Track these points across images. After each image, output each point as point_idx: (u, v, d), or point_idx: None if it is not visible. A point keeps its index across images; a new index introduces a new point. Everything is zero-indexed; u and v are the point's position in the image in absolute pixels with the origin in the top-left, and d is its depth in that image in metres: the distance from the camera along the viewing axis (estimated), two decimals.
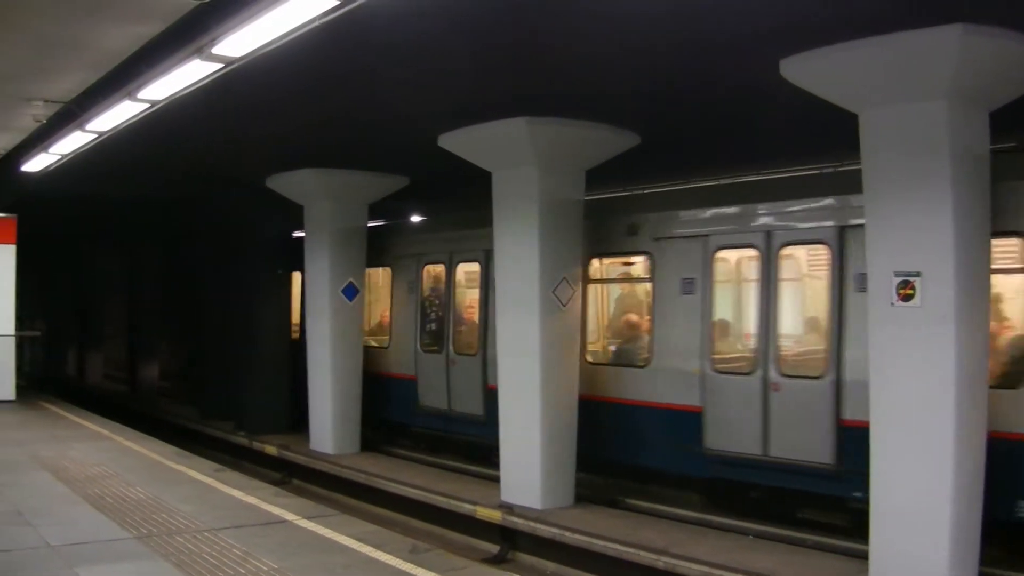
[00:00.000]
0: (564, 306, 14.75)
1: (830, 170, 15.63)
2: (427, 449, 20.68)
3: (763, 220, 14.00)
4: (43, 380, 35.00)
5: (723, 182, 17.75)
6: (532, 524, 14.06)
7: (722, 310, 14.82)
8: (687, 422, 14.48)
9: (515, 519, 14.35)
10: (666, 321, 15.06)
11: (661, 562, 11.99)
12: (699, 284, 14.67)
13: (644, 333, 15.82)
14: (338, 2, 8.02)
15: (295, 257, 22.02)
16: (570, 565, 13.54)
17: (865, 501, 11.19)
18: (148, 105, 12.31)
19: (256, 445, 21.98)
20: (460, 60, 11.38)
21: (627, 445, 15.56)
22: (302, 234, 21.07)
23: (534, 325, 14.59)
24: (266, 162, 19.07)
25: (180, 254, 30.96)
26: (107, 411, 24.72)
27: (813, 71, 10.54)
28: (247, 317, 23.94)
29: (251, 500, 12.72)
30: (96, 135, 14.50)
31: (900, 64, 9.86)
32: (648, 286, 15.72)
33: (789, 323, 14.09)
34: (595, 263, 16.64)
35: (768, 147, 15.77)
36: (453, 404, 19.14)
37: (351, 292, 20.00)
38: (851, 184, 11.78)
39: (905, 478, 10.12)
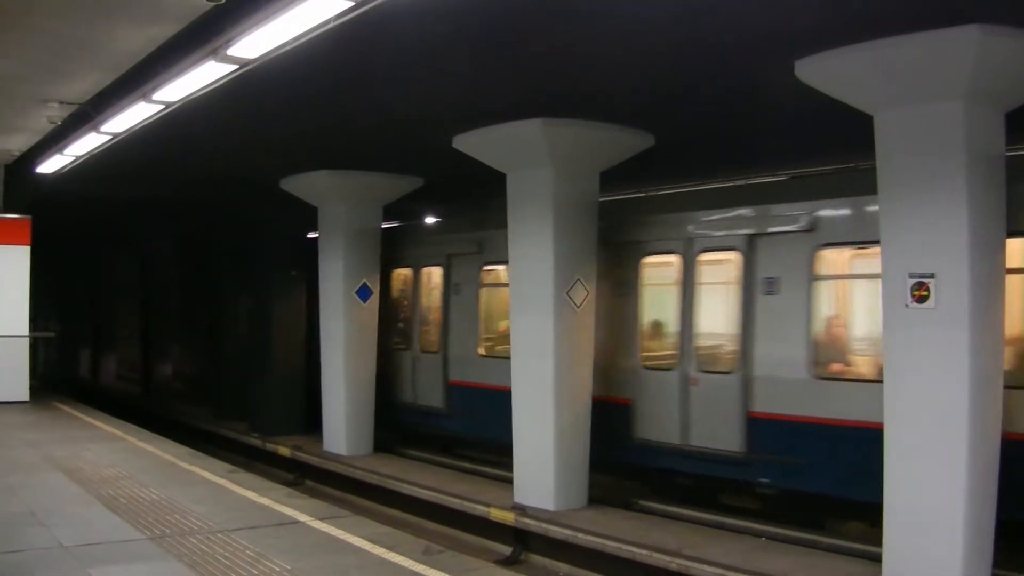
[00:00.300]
0: (578, 307, 14.75)
1: (741, 182, 17.19)
2: (400, 441, 21.33)
3: (686, 229, 15.33)
4: (57, 381, 35.06)
5: (657, 193, 19.30)
6: (545, 525, 14.05)
7: (650, 312, 16.17)
8: (622, 414, 15.81)
9: (528, 520, 14.34)
10: (602, 323, 15.74)
11: (675, 564, 11.97)
12: (631, 287, 16.14)
13: None
14: (352, 3, 8.03)
15: (309, 258, 22.09)
16: (583, 567, 13.52)
17: (771, 487, 13.89)
18: (163, 107, 12.34)
19: (269, 446, 22.03)
20: (474, 62, 11.38)
21: None
22: (316, 235, 21.11)
23: (548, 326, 14.59)
24: (280, 164, 19.09)
25: (194, 255, 31.00)
26: (120, 412, 24.73)
27: (828, 73, 10.52)
28: (261, 318, 23.98)
29: (264, 501, 12.72)
30: (111, 136, 14.54)
31: (916, 65, 9.83)
32: None
33: (705, 323, 15.24)
34: None
35: (781, 148, 15.76)
36: (419, 398, 20.75)
37: (365, 293, 20.03)
38: (764, 195, 14.00)
39: (919, 479, 10.09)
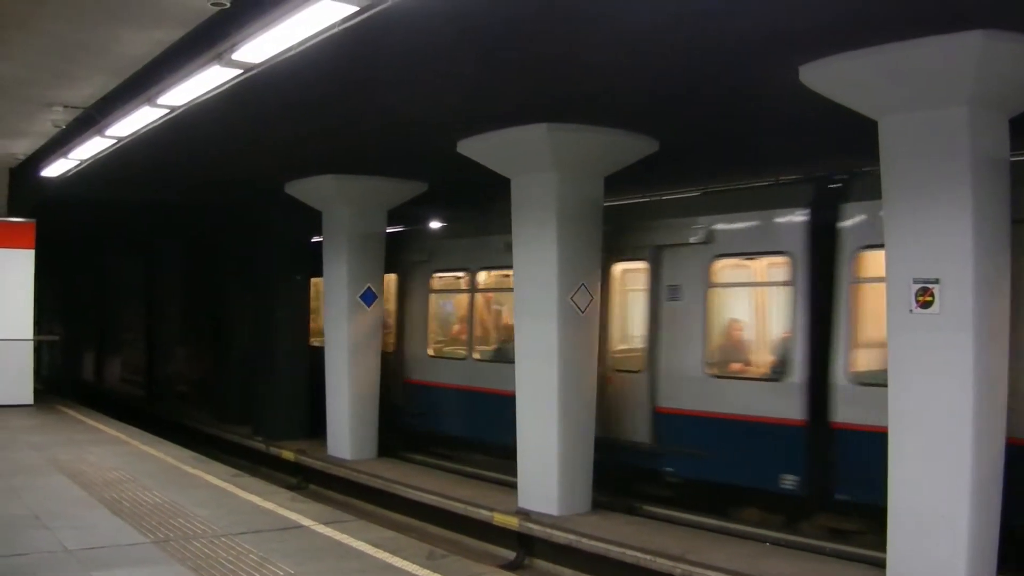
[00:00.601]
0: (582, 312, 14.75)
1: (646, 199, 18.47)
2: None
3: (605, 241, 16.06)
4: (60, 384, 35.07)
5: None
6: (549, 530, 14.04)
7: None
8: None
9: (532, 525, 14.33)
10: None
11: (679, 569, 11.94)
12: None
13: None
14: (357, 8, 8.03)
15: (313, 262, 22.17)
16: (587, 571, 13.50)
17: (676, 475, 15.44)
18: (167, 111, 12.36)
19: (273, 450, 22.03)
20: (478, 66, 11.39)
21: (493, 426, 18.03)
22: (320, 239, 21.14)
23: (552, 332, 14.59)
24: (285, 168, 19.11)
25: (198, 259, 31.04)
26: (124, 415, 24.73)
27: (833, 77, 10.52)
28: (264, 322, 24.00)
29: (268, 505, 12.72)
30: (115, 140, 14.56)
31: (920, 70, 9.83)
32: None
33: (619, 327, 17.03)
34: (482, 274, 19.99)
35: (784, 152, 15.77)
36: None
37: (369, 298, 20.06)
38: (668, 210, 15.64)
39: (923, 483, 10.09)
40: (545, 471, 14.78)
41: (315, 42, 8.96)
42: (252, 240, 24.55)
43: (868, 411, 12.25)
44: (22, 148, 18.31)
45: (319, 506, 13.77)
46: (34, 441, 17.32)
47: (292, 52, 9.35)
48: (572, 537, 13.61)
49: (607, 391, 16.08)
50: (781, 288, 14.40)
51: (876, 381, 12.10)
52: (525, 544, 14.56)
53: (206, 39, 9.87)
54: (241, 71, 10.22)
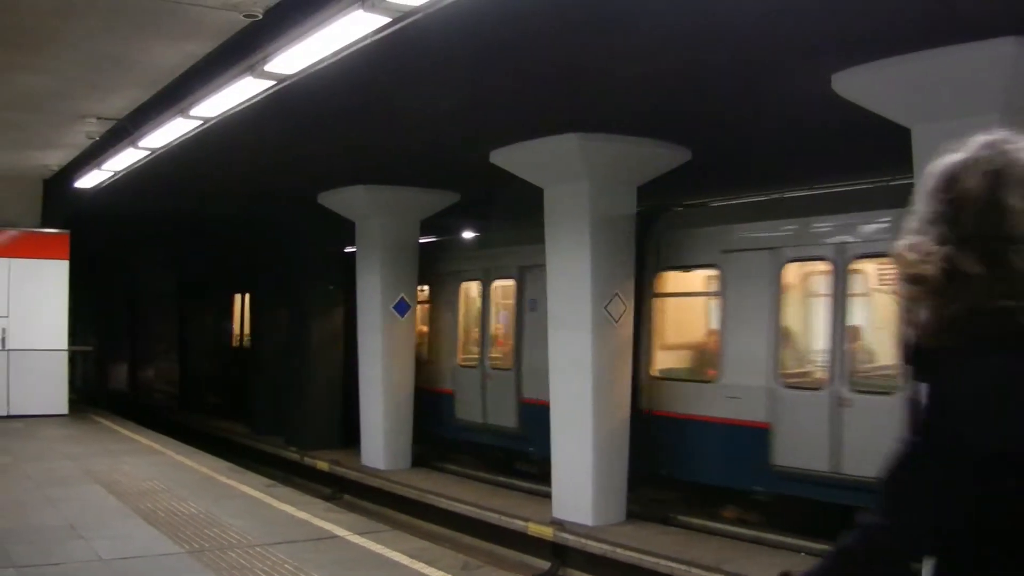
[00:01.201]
0: (616, 322, 14.72)
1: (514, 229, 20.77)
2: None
3: (482, 264, 20.69)
4: (94, 394, 35.17)
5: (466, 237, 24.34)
6: (583, 540, 14.02)
7: (464, 322, 21.46)
8: (446, 401, 20.93)
9: (566, 535, 14.31)
10: (432, 331, 22.21)
11: None
12: (453, 305, 21.47)
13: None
14: (389, 20, 8.03)
15: (346, 273, 22.28)
16: None
17: (536, 455, 18.01)
18: (201, 122, 12.40)
19: (307, 460, 22.06)
20: (509, 78, 11.40)
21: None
22: (353, 250, 21.19)
23: (586, 342, 14.57)
24: (318, 179, 19.16)
25: (231, 270, 31.13)
26: (157, 425, 24.78)
27: (864, 85, 10.46)
28: (298, 333, 24.05)
29: (303, 515, 12.70)
30: (149, 152, 14.62)
31: (951, 78, 9.75)
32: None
33: (494, 332, 20.49)
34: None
35: (815, 164, 15.72)
36: None
37: (403, 308, 20.09)
38: (532, 237, 16.84)
39: None
40: (580, 481, 14.75)
41: (347, 53, 8.97)
42: (286, 251, 24.60)
43: (667, 401, 15.70)
44: (56, 160, 18.40)
45: (354, 516, 13.76)
46: (69, 451, 17.36)
47: (324, 63, 9.36)
48: (606, 547, 13.58)
49: (487, 386, 19.80)
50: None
51: (672, 376, 16.06)
52: (559, 554, 14.54)
53: (238, 51, 9.90)
54: (274, 82, 10.24)
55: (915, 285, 2.57)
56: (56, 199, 21.10)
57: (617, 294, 14.72)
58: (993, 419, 2.42)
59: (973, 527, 2.50)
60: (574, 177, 14.49)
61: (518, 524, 15.31)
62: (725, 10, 9.04)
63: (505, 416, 19.22)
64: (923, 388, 2.53)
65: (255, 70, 9.79)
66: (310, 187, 19.72)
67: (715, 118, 13.28)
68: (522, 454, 19.25)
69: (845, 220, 13.53)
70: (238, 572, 9.76)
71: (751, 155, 15.50)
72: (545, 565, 14.68)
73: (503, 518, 15.73)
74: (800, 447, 13.45)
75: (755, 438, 13.96)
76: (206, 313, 34.78)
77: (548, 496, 15.61)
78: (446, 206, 20.09)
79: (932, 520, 2.51)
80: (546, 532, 14.67)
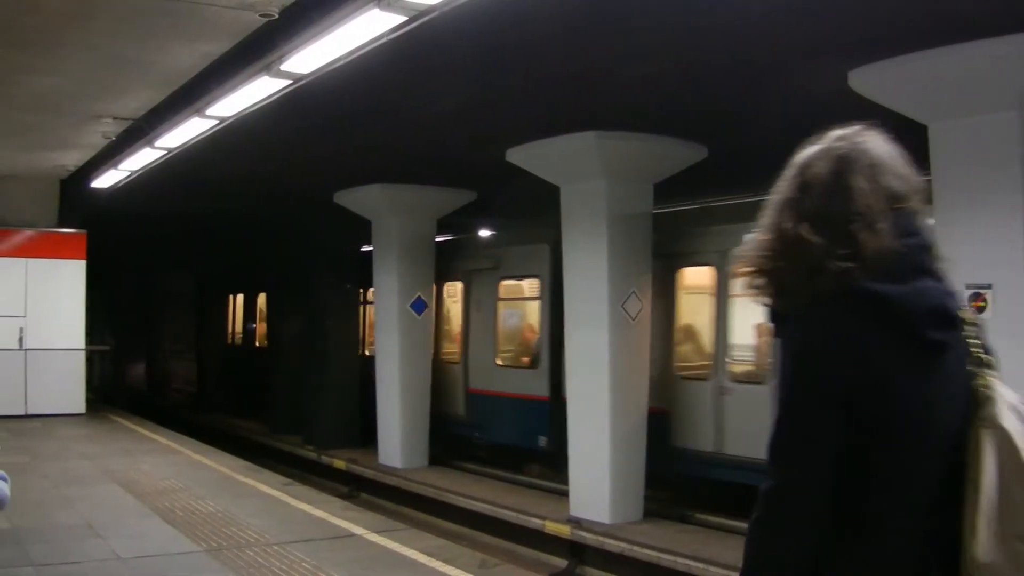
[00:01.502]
0: (633, 320, 14.70)
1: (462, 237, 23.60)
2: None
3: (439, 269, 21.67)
4: (111, 393, 35.26)
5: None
6: (600, 539, 14.01)
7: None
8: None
9: (584, 534, 14.30)
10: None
11: None
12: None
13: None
14: (405, 19, 8.03)
15: (363, 272, 22.33)
16: None
17: (480, 439, 20.68)
18: (217, 121, 12.42)
19: (324, 459, 22.10)
20: (524, 77, 11.38)
21: None
22: (370, 249, 21.23)
23: (603, 340, 14.55)
24: (334, 178, 19.16)
25: (248, 269, 31.19)
26: (175, 424, 24.84)
27: (882, 82, 10.40)
28: (316, 332, 24.07)
29: (320, 514, 12.71)
30: (165, 151, 14.65)
31: (969, 75, 9.70)
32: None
33: (448, 329, 22.59)
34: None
35: None
36: None
37: (420, 307, 20.12)
38: (477, 242, 21.07)
39: None
40: (597, 479, 14.73)
41: (363, 52, 8.98)
42: (302, 250, 24.64)
43: None
44: (72, 160, 18.43)
45: (371, 515, 13.76)
46: (87, 451, 17.40)
47: (340, 63, 9.37)
48: (624, 545, 13.57)
49: (438, 378, 21.14)
50: (535, 301, 19.56)
51: None
52: (577, 552, 14.54)
53: (254, 50, 9.91)
54: (290, 81, 10.25)
55: (765, 256, 2.77)
56: (73, 199, 21.15)
57: (634, 292, 14.69)
58: (827, 363, 2.61)
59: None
60: (591, 175, 14.45)
61: (535, 522, 15.31)
62: (729, 11, 9.02)
63: (454, 405, 21.34)
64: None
65: (271, 70, 9.81)
66: (326, 186, 19.74)
67: (730, 116, 13.24)
68: (468, 439, 21.13)
69: (729, 229, 15.22)
70: (256, 571, 9.77)
71: (767, 153, 15.41)
72: (563, 563, 14.67)
73: (520, 516, 15.72)
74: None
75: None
76: (223, 312, 34.84)
77: (565, 494, 15.59)
78: (463, 204, 20.04)
79: (816, 471, 2.60)
80: (563, 530, 14.66)
